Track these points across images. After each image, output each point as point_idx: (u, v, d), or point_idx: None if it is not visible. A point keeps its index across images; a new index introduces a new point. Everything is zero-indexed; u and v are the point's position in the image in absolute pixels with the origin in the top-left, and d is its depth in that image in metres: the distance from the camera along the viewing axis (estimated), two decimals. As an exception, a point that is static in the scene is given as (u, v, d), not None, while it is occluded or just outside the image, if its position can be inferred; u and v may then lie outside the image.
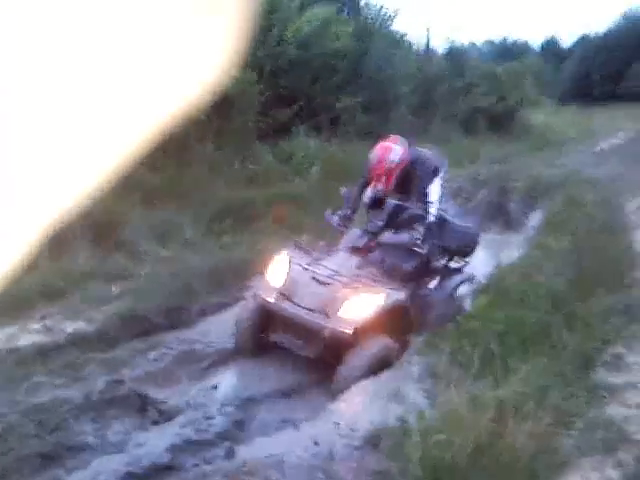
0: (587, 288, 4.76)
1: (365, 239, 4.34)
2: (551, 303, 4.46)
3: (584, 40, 40.94)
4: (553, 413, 3.09)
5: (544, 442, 2.86)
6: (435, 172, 4.55)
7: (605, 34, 37.61)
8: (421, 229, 4.33)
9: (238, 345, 4.31)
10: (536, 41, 55.61)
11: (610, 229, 6.66)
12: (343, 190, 4.63)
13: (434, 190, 4.51)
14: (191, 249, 6.17)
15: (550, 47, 43.89)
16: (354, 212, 4.64)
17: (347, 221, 4.55)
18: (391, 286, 4.02)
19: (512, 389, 3.20)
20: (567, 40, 60.29)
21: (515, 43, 41.69)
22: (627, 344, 4.08)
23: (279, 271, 4.17)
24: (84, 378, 3.80)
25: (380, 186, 4.39)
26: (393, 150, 4.36)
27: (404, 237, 4.30)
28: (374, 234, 4.35)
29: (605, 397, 3.41)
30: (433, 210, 4.45)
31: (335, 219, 4.53)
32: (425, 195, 4.44)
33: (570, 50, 41.98)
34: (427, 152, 4.76)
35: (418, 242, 4.24)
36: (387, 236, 4.35)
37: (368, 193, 4.55)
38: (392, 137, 4.56)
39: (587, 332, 4.10)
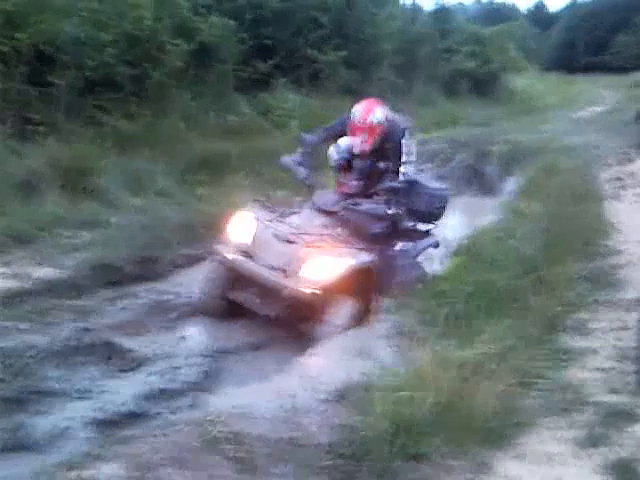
0: (556, 254, 4.82)
1: (339, 203, 4.19)
2: (521, 267, 4.52)
3: (572, 6, 40.59)
4: (516, 374, 3.17)
5: (505, 402, 2.93)
6: (404, 133, 4.39)
7: (593, 1, 37.30)
8: (390, 192, 4.22)
9: (203, 304, 4.22)
10: (523, 4, 54.92)
11: (583, 197, 6.72)
12: (303, 135, 4.40)
13: (404, 151, 4.34)
14: (164, 200, 6.08)
15: (537, 12, 43.51)
16: (311, 157, 4.39)
17: (306, 165, 4.28)
18: (357, 247, 3.94)
19: (476, 349, 3.26)
20: (555, 5, 59.66)
21: (503, 5, 41.21)
22: (591, 310, 4.17)
23: (241, 228, 4.07)
24: (51, 324, 3.77)
25: (359, 141, 4.22)
26: (378, 109, 4.25)
27: (377, 208, 4.15)
28: (349, 196, 4.25)
29: (566, 360, 3.49)
30: (402, 171, 4.30)
31: (289, 160, 4.29)
32: (399, 157, 4.30)
33: (557, 16, 41.64)
34: (395, 114, 4.56)
35: (389, 212, 4.13)
36: (358, 203, 4.15)
37: (343, 145, 4.31)
38: (374, 99, 4.42)
39: (553, 297, 4.16)
